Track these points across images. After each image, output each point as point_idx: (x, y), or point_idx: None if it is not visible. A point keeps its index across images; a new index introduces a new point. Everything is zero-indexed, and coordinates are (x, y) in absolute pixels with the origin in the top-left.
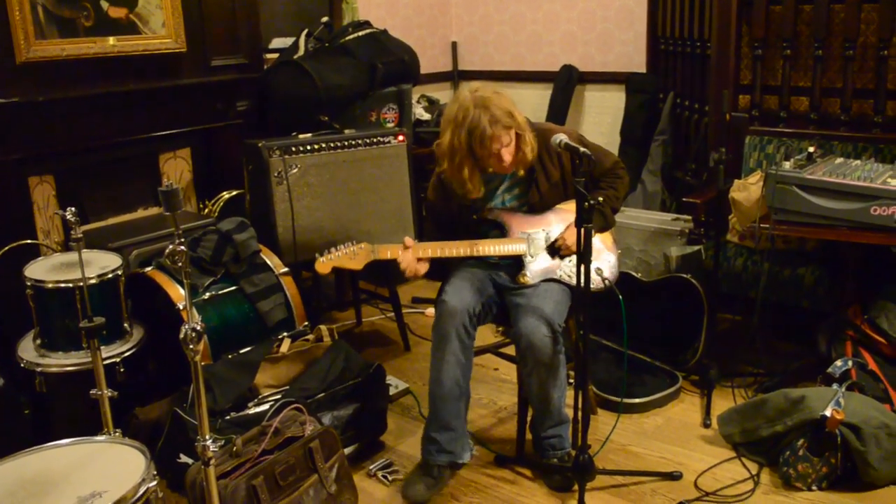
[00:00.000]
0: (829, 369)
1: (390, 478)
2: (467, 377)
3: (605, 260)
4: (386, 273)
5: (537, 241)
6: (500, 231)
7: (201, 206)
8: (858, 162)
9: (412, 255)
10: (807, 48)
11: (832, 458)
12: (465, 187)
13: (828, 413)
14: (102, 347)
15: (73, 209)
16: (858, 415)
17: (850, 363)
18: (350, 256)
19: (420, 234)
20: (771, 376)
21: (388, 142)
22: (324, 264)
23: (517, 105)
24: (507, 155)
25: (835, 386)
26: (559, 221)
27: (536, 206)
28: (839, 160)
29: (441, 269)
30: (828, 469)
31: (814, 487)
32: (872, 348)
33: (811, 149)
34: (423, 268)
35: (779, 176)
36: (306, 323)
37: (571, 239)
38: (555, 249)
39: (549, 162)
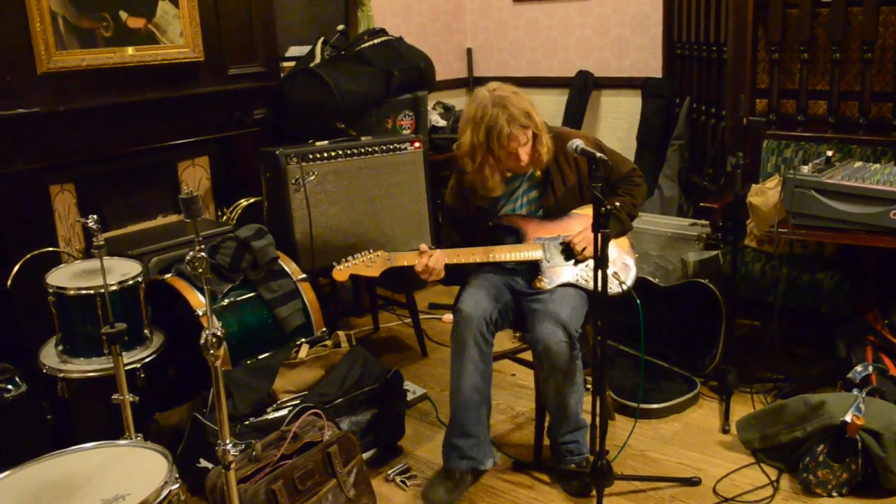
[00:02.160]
0: (849, 374)
1: (408, 483)
2: (487, 384)
3: (622, 265)
4: (403, 279)
5: (553, 247)
6: (516, 237)
7: (219, 213)
8: (877, 165)
9: (436, 255)
10: (824, 51)
11: (852, 464)
12: (487, 185)
13: (848, 419)
14: (123, 353)
15: (94, 217)
16: (879, 420)
17: (870, 368)
18: (367, 264)
19: (436, 240)
20: (790, 382)
21: (405, 148)
22: (341, 272)
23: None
24: (524, 154)
25: (855, 391)
26: (576, 227)
27: (553, 209)
28: (858, 164)
29: (456, 275)
30: (848, 475)
31: (834, 494)
32: (893, 353)
33: (829, 153)
34: (441, 272)
35: (797, 180)
36: (324, 329)
37: (586, 240)
38: (569, 249)
39: (566, 165)
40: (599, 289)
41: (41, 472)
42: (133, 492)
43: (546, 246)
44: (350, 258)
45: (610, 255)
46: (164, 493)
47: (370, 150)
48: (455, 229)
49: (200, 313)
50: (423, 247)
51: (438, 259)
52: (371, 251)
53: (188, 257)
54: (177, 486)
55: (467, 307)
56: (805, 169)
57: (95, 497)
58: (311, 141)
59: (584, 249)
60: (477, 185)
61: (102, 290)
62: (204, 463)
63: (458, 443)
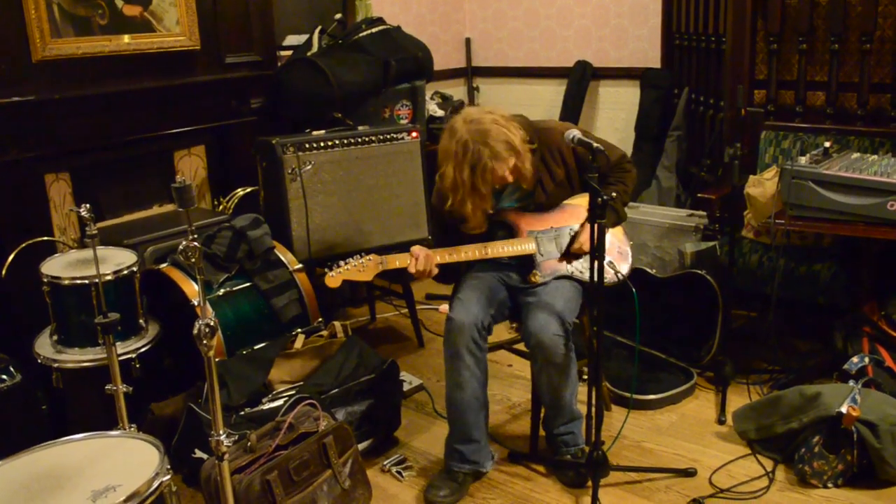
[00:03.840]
0: (846, 366)
1: (404, 473)
2: (484, 388)
3: (617, 254)
4: (399, 270)
5: (547, 240)
6: (509, 231)
7: (216, 202)
8: (875, 157)
9: (428, 257)
10: (823, 42)
11: (848, 455)
12: (469, 224)
13: (844, 410)
14: (118, 343)
15: (87, 206)
16: (875, 412)
17: (866, 360)
18: (359, 269)
19: (433, 230)
20: (786, 373)
21: (402, 138)
22: (333, 279)
23: (531, 101)
24: (509, 177)
25: (851, 383)
26: (568, 218)
27: (544, 205)
28: (855, 155)
29: (451, 273)
30: (843, 466)
31: (829, 485)
32: (889, 345)
33: (827, 144)
34: (436, 269)
35: (794, 171)
36: (320, 319)
37: (584, 239)
38: (571, 254)
39: (553, 162)
40: (596, 279)
41: (32, 462)
42: (124, 483)
43: (539, 239)
44: (342, 263)
45: (605, 245)
46: (155, 484)
47: (367, 139)
48: (444, 230)
49: (195, 303)
50: (415, 249)
51: (429, 260)
52: (362, 255)
53: (181, 247)
54: (168, 477)
55: (458, 315)
56: (803, 160)
57: (86, 488)
58: (307, 130)
59: (584, 245)
60: (457, 218)
61: (97, 280)
62: (199, 453)
63: (460, 448)
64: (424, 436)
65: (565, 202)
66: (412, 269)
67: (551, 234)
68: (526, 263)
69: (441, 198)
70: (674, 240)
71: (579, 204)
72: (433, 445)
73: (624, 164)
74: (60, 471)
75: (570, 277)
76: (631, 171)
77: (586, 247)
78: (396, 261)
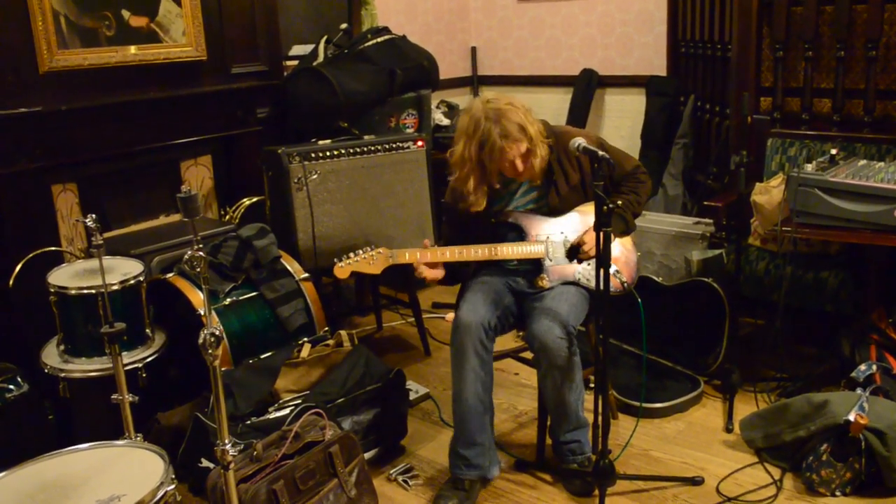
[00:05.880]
0: (853, 374)
1: (410, 482)
2: (489, 391)
3: (624, 263)
4: (406, 278)
5: (556, 244)
6: (518, 234)
7: (222, 212)
8: (882, 164)
9: (436, 264)
10: (829, 49)
11: (856, 463)
12: (468, 199)
13: (851, 418)
14: (124, 353)
15: (93, 216)
16: (883, 419)
17: (874, 367)
18: (369, 261)
19: (439, 239)
20: (794, 381)
21: (408, 147)
22: (342, 269)
23: (537, 109)
24: (520, 163)
25: (858, 390)
26: (579, 224)
27: (556, 208)
28: (862, 162)
29: (459, 274)
30: (851, 474)
31: (837, 493)
32: None
33: (833, 151)
34: (440, 273)
35: (801, 178)
36: (326, 328)
37: (591, 242)
38: (575, 252)
39: (569, 165)
40: (601, 287)
41: (38, 472)
42: (129, 492)
43: (548, 243)
44: (351, 255)
45: (612, 254)
46: (160, 493)
47: (373, 148)
48: (456, 229)
49: (202, 312)
50: (427, 242)
51: (441, 256)
52: (372, 248)
53: (186, 256)
54: (173, 486)
55: (465, 315)
56: (809, 167)
57: (91, 498)
58: (313, 140)
59: (590, 249)
60: (458, 196)
61: (103, 290)
62: (205, 463)
63: (465, 452)
64: (431, 444)
65: (577, 209)
66: (417, 267)
67: (561, 239)
68: (534, 268)
69: (453, 191)
70: (680, 248)
71: (589, 211)
72: (440, 454)
73: (639, 175)
74: (66, 480)
75: (576, 284)
76: (645, 183)
77: (592, 252)
78: (406, 255)
